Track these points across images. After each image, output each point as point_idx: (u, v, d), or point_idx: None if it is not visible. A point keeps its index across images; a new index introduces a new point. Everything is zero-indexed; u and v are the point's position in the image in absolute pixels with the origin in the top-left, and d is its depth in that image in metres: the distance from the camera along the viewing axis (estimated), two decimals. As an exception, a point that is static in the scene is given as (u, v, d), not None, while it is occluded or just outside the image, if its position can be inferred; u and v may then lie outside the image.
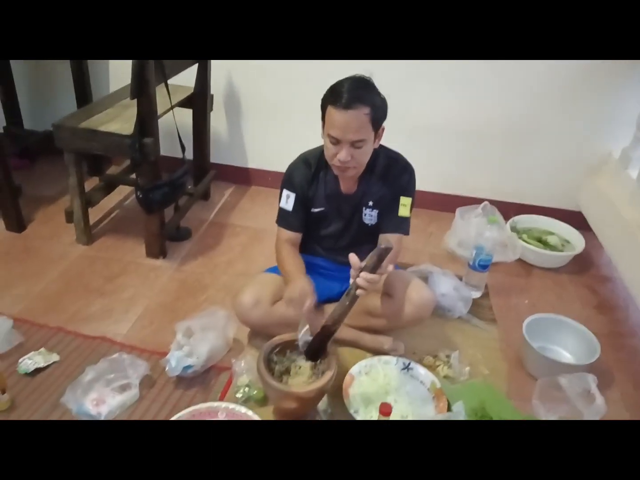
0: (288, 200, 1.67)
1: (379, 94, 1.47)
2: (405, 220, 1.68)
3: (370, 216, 1.71)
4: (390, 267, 1.36)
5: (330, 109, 1.43)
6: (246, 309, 1.64)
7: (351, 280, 1.34)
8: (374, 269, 1.30)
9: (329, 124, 1.45)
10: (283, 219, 1.70)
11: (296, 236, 1.71)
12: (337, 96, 1.41)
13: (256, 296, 1.64)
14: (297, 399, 1.36)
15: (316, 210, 1.71)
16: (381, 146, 1.62)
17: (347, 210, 1.71)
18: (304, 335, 1.42)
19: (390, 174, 1.64)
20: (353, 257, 1.33)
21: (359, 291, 1.32)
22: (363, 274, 1.30)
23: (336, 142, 1.46)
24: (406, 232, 1.69)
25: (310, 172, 1.67)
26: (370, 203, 1.68)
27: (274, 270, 1.75)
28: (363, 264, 1.32)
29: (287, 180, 1.69)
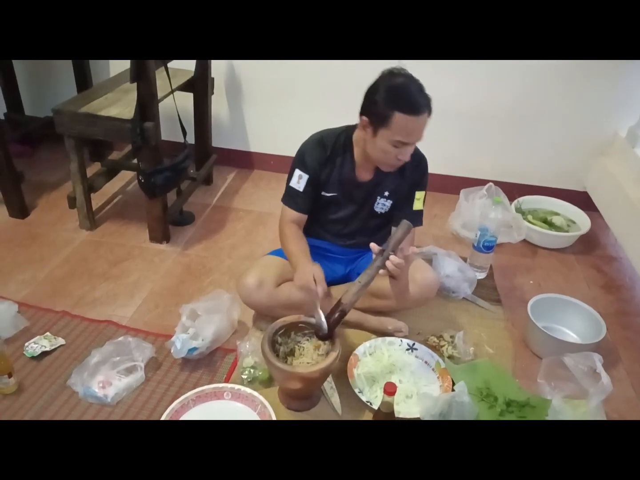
0: (300, 181, 1.63)
1: None
2: (420, 213, 1.71)
3: (383, 205, 1.71)
4: (413, 249, 1.41)
5: (400, 116, 1.40)
6: (250, 291, 1.64)
7: (374, 257, 1.39)
8: (396, 244, 1.36)
9: (398, 129, 1.42)
10: (291, 198, 1.66)
11: (302, 217, 1.68)
12: (408, 103, 1.40)
13: (260, 278, 1.64)
14: (301, 380, 1.37)
15: (328, 194, 1.68)
16: None
17: (360, 197, 1.70)
18: (321, 321, 1.41)
19: (406, 166, 1.60)
20: (374, 245, 1.39)
21: (381, 271, 1.37)
22: (392, 257, 1.35)
23: (402, 145, 1.46)
24: (420, 224, 1.71)
25: (325, 154, 1.63)
26: (386, 193, 1.68)
27: (278, 253, 1.75)
28: (385, 245, 1.37)
29: (300, 159, 1.64)
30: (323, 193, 1.68)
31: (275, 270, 1.68)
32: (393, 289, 1.68)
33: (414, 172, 1.65)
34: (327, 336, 1.43)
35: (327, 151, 1.63)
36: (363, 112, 1.50)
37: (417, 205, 1.69)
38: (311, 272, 1.43)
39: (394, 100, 1.40)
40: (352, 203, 1.71)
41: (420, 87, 1.43)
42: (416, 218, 1.67)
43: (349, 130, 1.65)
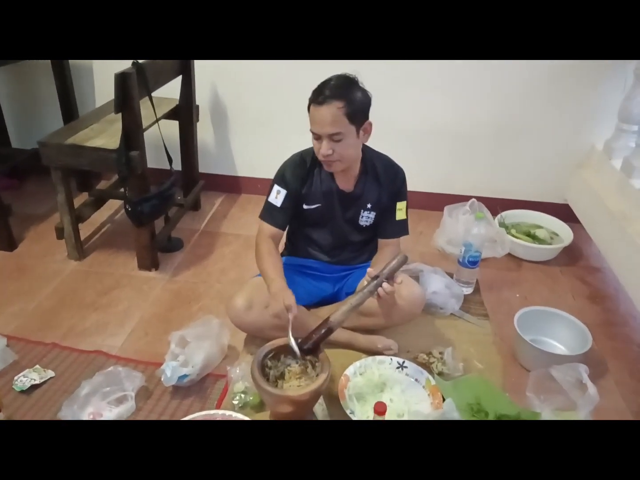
0: (278, 196, 1.68)
1: (360, 90, 1.52)
2: (403, 222, 1.77)
3: (367, 218, 1.76)
4: (400, 279, 1.46)
5: (311, 107, 1.50)
6: (239, 312, 1.66)
7: (364, 283, 1.45)
8: (391, 273, 1.42)
9: (310, 120, 1.52)
10: (269, 213, 1.70)
11: (279, 233, 1.72)
12: (315, 93, 1.49)
13: (249, 300, 1.66)
14: (292, 403, 1.37)
15: (311, 207, 1.73)
16: (374, 150, 1.73)
17: (343, 208, 1.74)
18: (292, 345, 1.44)
19: (385, 177, 1.70)
20: (371, 270, 1.46)
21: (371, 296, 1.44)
22: (385, 285, 1.42)
23: (317, 137, 1.53)
24: (406, 233, 1.79)
25: (305, 169, 1.69)
26: (369, 205, 1.73)
27: None
28: (379, 271, 1.43)
29: (279, 176, 1.70)
30: (305, 206, 1.72)
31: (264, 292, 1.68)
32: (381, 307, 1.69)
33: (392, 184, 1.72)
34: (308, 351, 1.44)
35: (307, 165, 1.70)
36: None
37: (400, 215, 1.75)
38: (281, 300, 1.46)
39: (311, 94, 1.52)
40: (335, 215, 1.75)
41: (333, 83, 1.49)
42: (401, 228, 1.77)
43: None
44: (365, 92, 1.54)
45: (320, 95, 1.47)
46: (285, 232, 1.80)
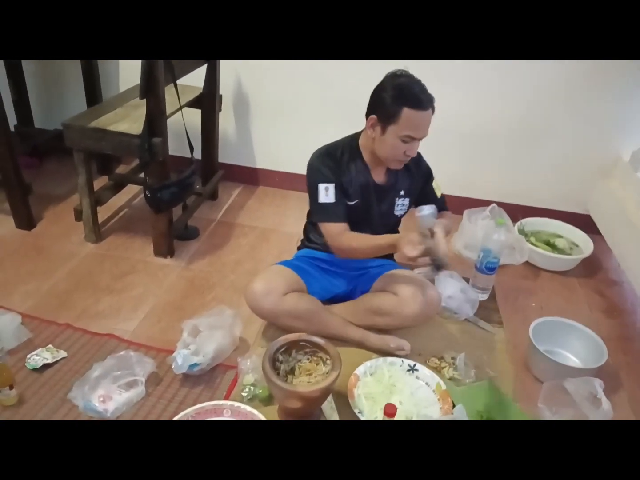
0: (328, 193, 1.62)
1: None
2: (444, 199, 1.84)
3: (402, 206, 1.78)
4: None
5: (409, 111, 1.49)
6: (258, 298, 1.65)
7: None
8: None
9: (406, 124, 1.51)
10: (328, 213, 1.64)
11: (347, 227, 1.66)
12: (415, 99, 1.49)
13: (268, 285, 1.65)
14: (301, 398, 1.37)
15: (351, 203, 1.69)
16: None
17: (379, 201, 1.73)
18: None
19: (412, 164, 1.72)
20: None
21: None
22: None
23: (410, 140, 1.54)
24: (445, 208, 1.85)
25: (338, 163, 1.66)
26: (402, 192, 1.75)
27: (285, 263, 1.77)
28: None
29: (316, 174, 1.64)
30: (347, 202, 1.69)
31: (284, 279, 1.69)
32: (395, 307, 1.70)
33: (419, 168, 1.77)
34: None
35: (339, 160, 1.67)
36: (371, 111, 1.58)
37: (438, 192, 1.82)
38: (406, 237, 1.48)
39: (402, 97, 1.50)
40: (373, 211, 1.74)
41: (422, 86, 1.54)
42: (445, 203, 1.85)
43: (353, 138, 1.70)
44: None
45: (422, 100, 1.50)
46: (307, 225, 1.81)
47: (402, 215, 1.81)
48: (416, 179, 1.77)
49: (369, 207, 1.72)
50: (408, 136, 1.53)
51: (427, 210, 1.49)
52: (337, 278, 1.84)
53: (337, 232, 1.64)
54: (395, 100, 1.50)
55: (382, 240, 1.57)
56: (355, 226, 1.68)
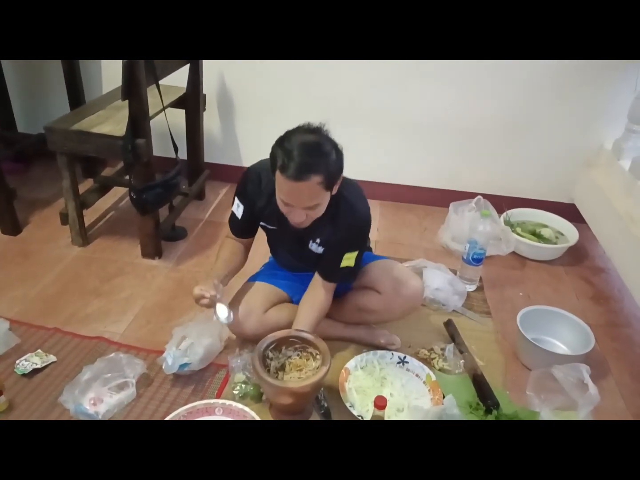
0: (238, 209, 1.60)
1: (332, 151, 1.33)
2: (347, 270, 1.57)
3: (316, 248, 1.60)
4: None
5: (280, 176, 1.31)
6: (239, 322, 1.64)
7: None
8: None
9: (279, 187, 1.35)
10: (231, 222, 1.66)
11: (244, 240, 1.68)
12: (285, 165, 1.28)
13: (247, 307, 1.65)
14: (292, 394, 1.37)
15: (269, 227, 1.64)
16: (346, 186, 1.49)
17: (295, 234, 1.58)
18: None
19: (342, 220, 1.49)
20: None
21: None
22: None
23: (288, 205, 1.37)
24: (349, 280, 1.66)
25: (260, 188, 1.54)
26: (318, 240, 1.58)
27: (256, 277, 1.77)
28: None
29: (240, 189, 1.59)
30: (263, 224, 1.64)
31: (261, 296, 1.69)
32: (379, 304, 1.69)
33: (346, 230, 1.50)
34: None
35: (262, 185, 1.54)
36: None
37: (345, 263, 1.54)
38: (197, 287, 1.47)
39: (276, 156, 1.32)
40: (289, 239, 1.64)
41: (309, 152, 1.29)
42: (343, 274, 1.58)
43: None
44: (336, 147, 1.36)
45: (296, 170, 1.26)
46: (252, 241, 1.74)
47: (319, 254, 1.60)
48: (338, 236, 1.52)
49: (285, 236, 1.63)
50: (282, 200, 1.37)
51: (222, 314, 1.49)
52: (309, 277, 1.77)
53: (229, 235, 1.68)
54: (274, 158, 1.33)
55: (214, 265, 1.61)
56: (273, 248, 1.76)
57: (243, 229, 1.66)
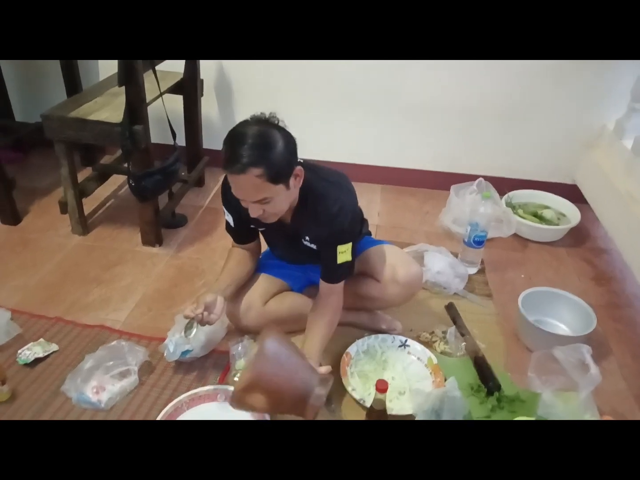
0: (228, 217, 1.57)
1: (281, 138, 1.27)
2: (346, 265, 1.50)
3: (310, 244, 1.55)
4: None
5: (225, 171, 1.29)
6: (240, 317, 1.65)
7: None
8: None
9: (229, 180, 1.32)
10: (229, 231, 1.64)
11: (248, 246, 1.65)
12: (228, 157, 1.24)
13: (247, 301, 1.65)
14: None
15: (258, 228, 1.63)
16: (314, 177, 1.44)
17: (286, 235, 1.57)
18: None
19: (321, 214, 1.43)
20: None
21: None
22: None
23: (241, 199, 1.34)
24: (347, 276, 1.55)
25: None
26: (307, 238, 1.53)
27: (255, 269, 1.74)
28: None
29: (223, 198, 1.54)
30: (252, 226, 1.60)
31: (259, 289, 1.68)
32: (378, 292, 1.68)
33: (331, 222, 1.43)
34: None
35: None
36: None
37: (342, 258, 1.47)
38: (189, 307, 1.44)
39: (223, 151, 1.27)
40: (282, 238, 1.62)
41: (251, 145, 1.22)
42: (344, 270, 1.51)
43: None
44: (287, 138, 1.29)
45: (234, 163, 1.22)
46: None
47: (316, 249, 1.54)
48: (323, 233, 1.47)
49: (276, 235, 1.62)
50: (234, 195, 1.33)
51: (192, 333, 1.47)
52: (309, 266, 1.77)
53: (232, 245, 1.67)
54: (222, 154, 1.28)
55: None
56: (270, 246, 1.74)
57: (241, 235, 1.63)
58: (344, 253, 1.47)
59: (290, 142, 1.30)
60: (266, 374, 1.24)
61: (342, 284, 1.53)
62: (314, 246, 1.54)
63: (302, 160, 1.42)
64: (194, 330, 1.47)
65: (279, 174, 1.27)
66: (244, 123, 1.29)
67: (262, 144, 1.24)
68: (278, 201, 1.33)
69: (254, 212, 1.34)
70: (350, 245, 1.48)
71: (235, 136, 1.26)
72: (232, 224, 1.58)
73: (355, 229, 1.52)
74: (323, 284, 1.52)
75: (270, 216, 1.38)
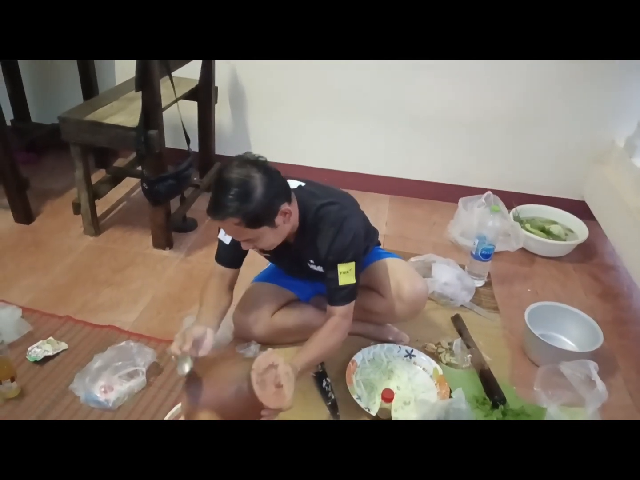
0: (225, 237, 1.51)
1: (256, 189, 1.26)
2: (350, 288, 1.45)
3: (317, 267, 1.55)
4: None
5: None
6: (247, 328, 1.67)
7: None
8: None
9: None
10: (218, 251, 1.55)
11: (229, 271, 1.54)
12: (208, 207, 1.30)
13: (256, 313, 1.66)
14: None
15: (263, 254, 1.63)
16: (314, 201, 1.44)
17: (291, 258, 1.58)
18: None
19: (321, 235, 1.44)
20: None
21: None
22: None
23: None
24: (351, 300, 1.47)
25: None
26: (312, 261, 1.53)
27: (261, 277, 1.77)
28: None
29: None
30: (257, 251, 1.58)
31: (268, 299, 1.70)
32: (383, 308, 1.68)
33: (332, 243, 1.42)
34: None
35: None
36: None
37: (344, 279, 1.44)
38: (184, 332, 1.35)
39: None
40: (287, 262, 1.64)
41: (227, 193, 1.24)
42: (345, 295, 1.45)
43: None
44: (269, 182, 1.28)
45: (214, 212, 1.28)
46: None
47: (322, 271, 1.51)
48: (325, 254, 1.44)
49: (281, 255, 1.59)
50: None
51: (180, 369, 1.28)
52: (313, 280, 1.73)
53: (214, 271, 1.56)
54: None
55: (199, 312, 1.48)
56: (279, 264, 1.73)
57: (233, 256, 1.53)
58: (346, 274, 1.44)
59: (272, 186, 1.29)
60: (197, 407, 1.24)
61: (347, 307, 1.46)
62: (320, 269, 1.52)
63: (302, 185, 1.46)
64: (187, 368, 1.28)
65: (257, 219, 1.28)
66: (229, 167, 1.29)
67: (241, 193, 1.25)
68: (265, 239, 1.35)
69: (245, 246, 1.41)
70: (352, 265, 1.44)
71: (219, 183, 1.28)
72: (227, 242, 1.51)
73: (359, 248, 1.48)
74: (329, 309, 1.48)
75: (263, 248, 1.43)
